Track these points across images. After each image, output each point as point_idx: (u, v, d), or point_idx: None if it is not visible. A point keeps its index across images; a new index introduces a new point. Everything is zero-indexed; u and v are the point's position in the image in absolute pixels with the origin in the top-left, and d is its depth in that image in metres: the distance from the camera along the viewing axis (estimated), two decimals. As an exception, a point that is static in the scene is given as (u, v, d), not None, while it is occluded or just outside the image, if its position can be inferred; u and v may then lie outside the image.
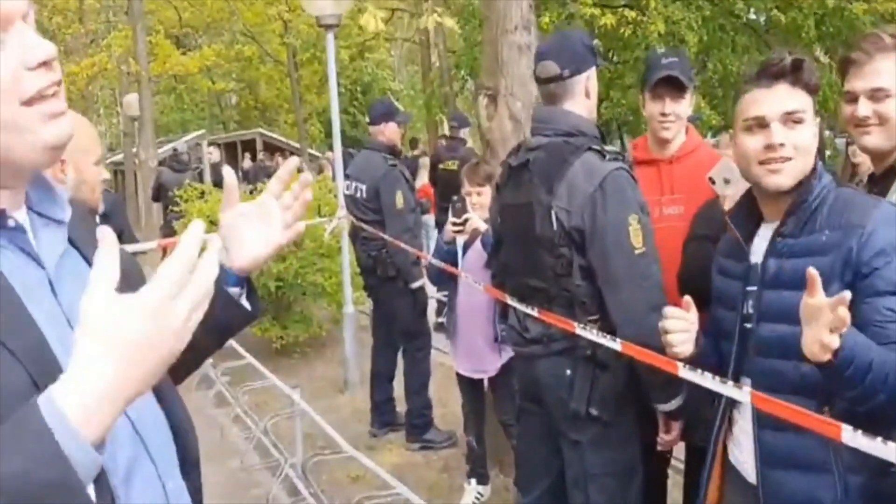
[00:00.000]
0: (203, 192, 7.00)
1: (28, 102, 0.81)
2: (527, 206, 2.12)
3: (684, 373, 1.70)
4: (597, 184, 2.00)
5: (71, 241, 0.94)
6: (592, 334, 1.99)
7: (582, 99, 2.15)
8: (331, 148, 19.50)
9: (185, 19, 17.14)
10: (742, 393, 1.58)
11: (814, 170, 1.59)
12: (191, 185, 7.26)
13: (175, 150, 10.70)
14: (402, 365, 4.42)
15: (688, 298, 1.67)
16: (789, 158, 1.55)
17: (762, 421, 1.59)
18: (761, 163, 1.58)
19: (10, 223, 0.85)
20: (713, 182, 2.06)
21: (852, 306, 1.41)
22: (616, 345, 1.92)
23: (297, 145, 18.89)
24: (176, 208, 7.00)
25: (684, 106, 2.32)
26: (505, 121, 3.64)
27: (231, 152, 19.06)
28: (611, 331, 2.00)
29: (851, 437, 1.30)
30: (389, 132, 4.36)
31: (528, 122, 3.61)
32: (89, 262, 0.94)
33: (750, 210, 1.70)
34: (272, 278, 5.60)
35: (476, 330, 3.27)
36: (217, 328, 1.20)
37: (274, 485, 3.49)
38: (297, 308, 6.12)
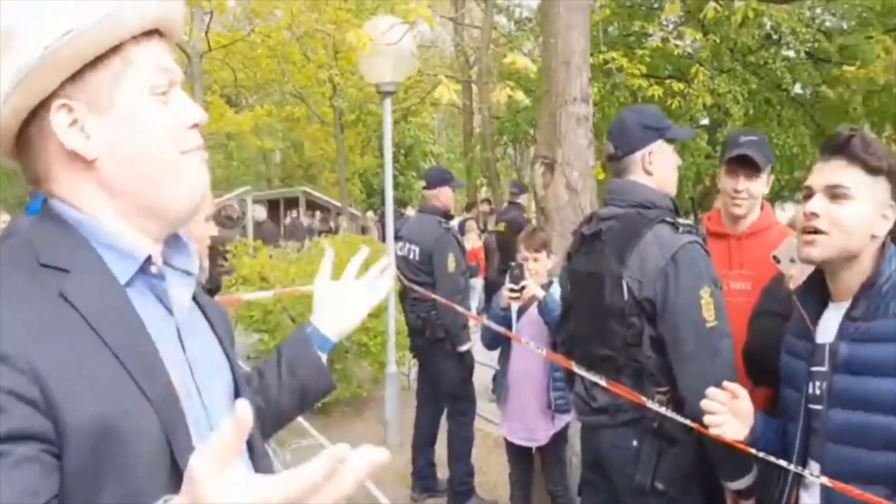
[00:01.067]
0: (256, 248, 7.11)
1: (185, 152, 0.90)
2: (598, 275, 2.14)
3: (757, 450, 1.68)
4: (669, 256, 2.00)
5: (194, 298, 0.98)
6: (663, 409, 1.97)
7: (642, 175, 2.17)
8: (371, 207, 19.81)
9: (239, 80, 17.83)
10: (821, 478, 1.54)
11: (882, 252, 1.56)
12: (242, 240, 7.41)
13: (224, 207, 10.98)
14: (444, 429, 4.38)
15: (733, 386, 1.66)
16: (824, 232, 1.54)
17: None
18: (801, 232, 1.59)
19: (153, 269, 0.90)
20: (778, 261, 2.06)
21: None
22: (688, 421, 1.90)
23: (339, 204, 19.26)
24: (224, 264, 7.11)
25: (759, 185, 2.34)
26: (561, 189, 3.70)
27: (274, 209, 19.51)
28: (679, 403, 1.98)
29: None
30: (444, 196, 4.44)
31: (584, 192, 3.67)
32: (206, 317, 1.00)
33: (818, 289, 1.68)
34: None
35: (529, 397, 3.25)
36: (302, 394, 1.26)
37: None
38: (338, 366, 6.14)
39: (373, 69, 5.25)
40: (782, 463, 1.64)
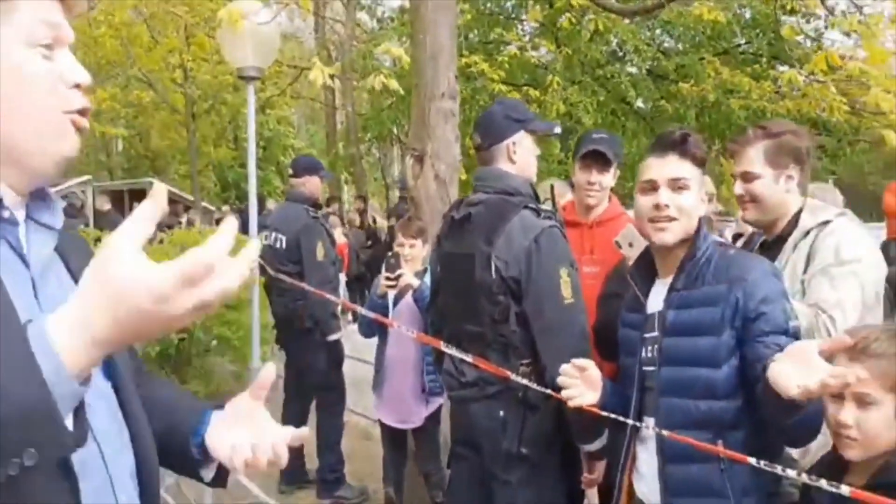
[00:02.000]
0: (99, 239, 6.68)
1: (68, 112, 0.90)
2: (468, 256, 2.28)
3: (607, 412, 1.88)
4: (532, 238, 2.18)
5: (58, 250, 0.96)
6: (527, 381, 2.14)
7: (507, 163, 2.33)
8: (225, 201, 18.96)
9: (77, 59, 16.47)
10: (655, 429, 1.77)
11: (699, 231, 1.81)
12: (84, 230, 6.93)
13: (65, 195, 10.18)
14: (312, 420, 4.37)
15: (581, 362, 1.84)
16: (674, 219, 1.78)
17: (668, 455, 1.77)
18: (650, 221, 1.80)
19: (5, 213, 0.87)
20: (619, 246, 2.31)
21: (744, 346, 1.65)
22: (549, 391, 2.07)
23: (191, 198, 18.33)
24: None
25: (608, 178, 2.59)
26: (430, 181, 3.83)
27: (118, 201, 18.25)
28: (541, 374, 2.17)
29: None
30: (312, 185, 4.44)
31: (451, 182, 3.83)
32: (72, 274, 0.97)
33: (647, 267, 1.92)
34: (176, 330, 5.40)
35: (404, 381, 3.36)
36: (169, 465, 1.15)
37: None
38: (196, 363, 5.90)
39: (235, 53, 5.06)
40: (625, 420, 1.84)
